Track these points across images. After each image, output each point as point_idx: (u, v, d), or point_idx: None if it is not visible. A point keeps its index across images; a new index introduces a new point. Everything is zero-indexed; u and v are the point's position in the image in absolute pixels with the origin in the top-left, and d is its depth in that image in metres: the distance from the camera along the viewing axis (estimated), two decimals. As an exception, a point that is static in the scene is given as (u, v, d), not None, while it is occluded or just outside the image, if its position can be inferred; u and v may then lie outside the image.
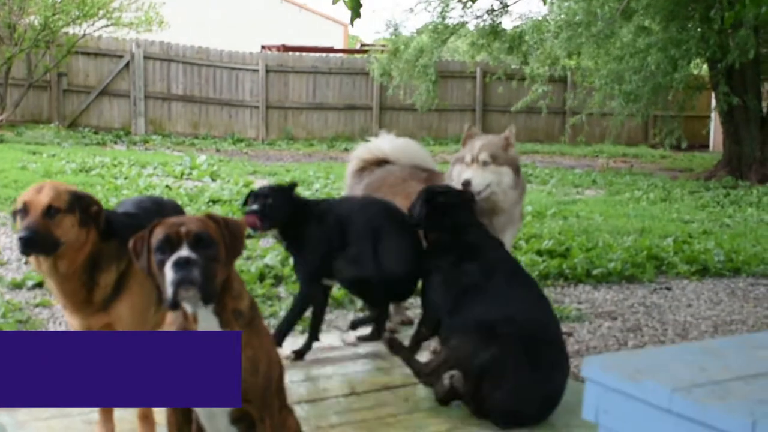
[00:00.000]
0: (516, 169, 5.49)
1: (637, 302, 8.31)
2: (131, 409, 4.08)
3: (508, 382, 4.29)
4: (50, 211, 3.55)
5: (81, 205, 3.67)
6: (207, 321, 3.01)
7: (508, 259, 4.94)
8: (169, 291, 2.88)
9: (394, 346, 4.75)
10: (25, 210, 3.60)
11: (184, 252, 2.87)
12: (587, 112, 20.80)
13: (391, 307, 5.96)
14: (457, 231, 4.88)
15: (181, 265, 2.85)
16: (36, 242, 3.55)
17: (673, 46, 17.89)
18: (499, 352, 4.33)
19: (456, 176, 5.41)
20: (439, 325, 4.76)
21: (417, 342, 4.93)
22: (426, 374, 4.56)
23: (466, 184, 5.26)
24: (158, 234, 2.92)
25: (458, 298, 4.65)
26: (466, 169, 5.36)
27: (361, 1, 6.71)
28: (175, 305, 2.91)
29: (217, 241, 2.92)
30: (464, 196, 5.13)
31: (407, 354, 4.73)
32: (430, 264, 4.93)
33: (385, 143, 6.38)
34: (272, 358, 3.15)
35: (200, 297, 2.91)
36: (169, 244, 2.89)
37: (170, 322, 3.11)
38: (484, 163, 5.34)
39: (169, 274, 2.86)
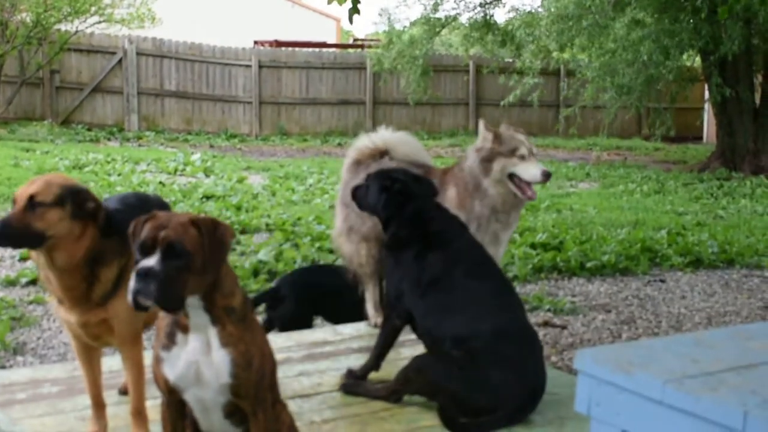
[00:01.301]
0: None
1: (631, 294, 8.34)
2: (124, 405, 4.08)
3: (481, 391, 4.28)
4: (32, 204, 3.54)
5: (75, 199, 3.65)
6: (197, 317, 3.01)
7: (473, 247, 4.87)
8: (129, 297, 2.89)
9: (351, 390, 4.71)
10: (13, 203, 3.60)
11: (149, 262, 2.86)
12: (580, 104, 20.82)
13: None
14: (420, 220, 4.77)
15: (140, 276, 2.85)
16: (7, 235, 3.54)
17: (666, 36, 17.90)
18: (463, 373, 4.30)
19: (503, 174, 5.45)
20: (410, 317, 4.72)
21: (386, 343, 4.84)
22: (388, 397, 4.55)
23: (548, 175, 5.46)
24: (142, 233, 2.91)
25: (424, 291, 4.62)
26: (530, 162, 5.46)
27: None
28: (137, 308, 2.92)
29: (191, 252, 2.87)
30: (423, 182, 5.04)
31: (364, 389, 4.68)
32: (392, 256, 4.87)
33: (384, 135, 6.38)
34: (265, 353, 3.14)
35: (158, 307, 2.91)
36: (144, 248, 2.89)
37: (162, 315, 3.11)
38: (536, 156, 5.55)
39: (131, 281, 2.87)
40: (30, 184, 3.63)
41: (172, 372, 3.07)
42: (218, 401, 3.10)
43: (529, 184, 5.48)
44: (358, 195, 5.06)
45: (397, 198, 4.78)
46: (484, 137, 5.61)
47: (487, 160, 5.51)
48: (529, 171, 5.45)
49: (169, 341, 3.07)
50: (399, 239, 4.81)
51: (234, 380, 3.02)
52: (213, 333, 3.02)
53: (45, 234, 3.55)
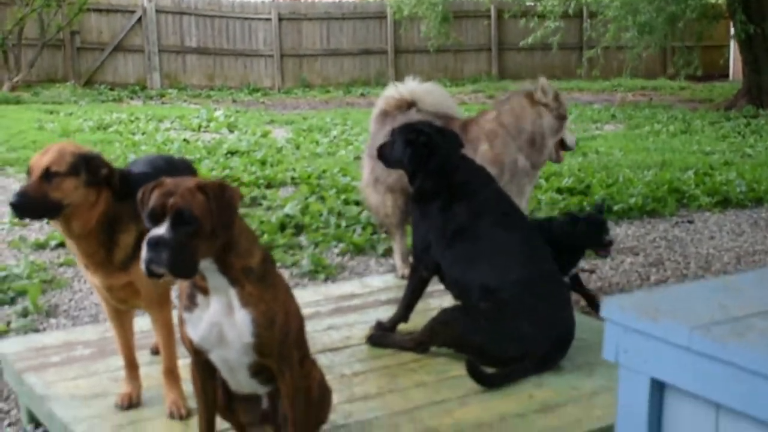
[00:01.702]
0: None
1: (658, 236, 8.31)
2: (156, 365, 4.11)
3: (509, 341, 4.29)
4: (48, 174, 3.56)
5: (88, 166, 3.66)
6: (215, 279, 3.03)
7: (499, 198, 4.85)
8: (142, 266, 2.90)
9: (377, 342, 4.74)
10: (28, 174, 3.62)
11: (159, 230, 2.86)
12: (602, 45, 20.65)
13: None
14: (445, 172, 4.78)
15: (151, 245, 2.86)
16: (27, 207, 3.57)
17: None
18: (490, 325, 4.32)
19: (557, 132, 5.91)
20: (437, 268, 4.74)
21: (414, 294, 4.88)
22: (415, 348, 4.57)
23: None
24: (150, 201, 2.92)
25: (451, 242, 4.63)
26: (568, 130, 6.00)
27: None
28: (151, 276, 2.93)
29: (200, 218, 2.87)
30: (447, 134, 5.03)
31: (392, 341, 4.70)
32: (418, 208, 4.87)
33: (411, 86, 6.38)
34: (289, 311, 3.14)
35: (171, 275, 2.92)
36: (154, 216, 2.90)
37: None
38: None
39: (143, 250, 2.88)
40: (43, 154, 3.65)
41: (195, 333, 3.10)
42: (243, 361, 3.12)
43: (563, 149, 5.99)
44: (384, 153, 5.05)
45: (423, 150, 4.77)
46: (545, 94, 5.86)
47: (561, 118, 5.87)
48: (571, 138, 5.98)
49: (191, 303, 3.09)
50: (425, 191, 4.81)
51: (257, 339, 3.03)
52: (233, 294, 3.02)
53: (62, 203, 3.58)
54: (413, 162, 4.80)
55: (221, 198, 2.91)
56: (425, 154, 4.76)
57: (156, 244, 2.85)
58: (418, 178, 4.83)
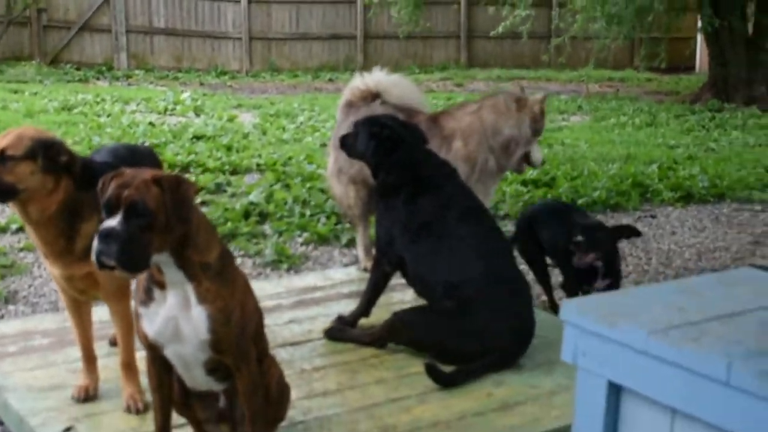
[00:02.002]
0: None
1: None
2: (115, 356, 4.09)
3: (471, 338, 4.30)
4: (3, 157, 3.52)
5: (47, 152, 3.62)
6: (171, 274, 3.01)
7: (463, 193, 4.86)
8: (92, 257, 2.89)
9: (335, 336, 4.73)
10: None
11: (111, 222, 2.85)
12: (570, 35, 20.67)
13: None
14: (410, 166, 4.78)
15: (102, 236, 2.85)
16: None
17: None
18: (451, 323, 4.34)
19: (522, 147, 5.93)
20: (400, 262, 4.73)
21: (376, 288, 4.87)
22: (373, 343, 4.57)
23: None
24: (107, 191, 2.90)
25: (415, 237, 4.64)
26: (538, 146, 6.05)
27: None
28: (101, 268, 2.92)
29: (154, 210, 2.85)
30: (411, 128, 5.06)
31: (350, 335, 4.70)
32: (382, 202, 4.86)
33: (377, 77, 6.36)
34: (247, 307, 3.12)
35: (120, 268, 2.89)
36: (109, 207, 2.89)
37: (146, 273, 3.10)
38: None
39: (94, 241, 2.87)
40: (2, 137, 3.62)
41: (150, 328, 3.07)
42: (199, 358, 3.10)
43: (527, 163, 6.09)
44: (346, 143, 5.05)
45: (386, 144, 4.77)
46: (534, 105, 5.92)
47: (536, 133, 5.93)
48: (537, 155, 6.01)
49: (147, 297, 3.07)
50: (389, 184, 4.80)
51: (213, 336, 3.01)
52: (190, 289, 3.00)
53: (16, 187, 3.55)
54: (376, 155, 4.80)
55: (177, 192, 2.88)
56: (388, 148, 4.76)
57: (107, 235, 2.84)
58: (382, 172, 4.82)
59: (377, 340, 4.55)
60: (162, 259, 2.96)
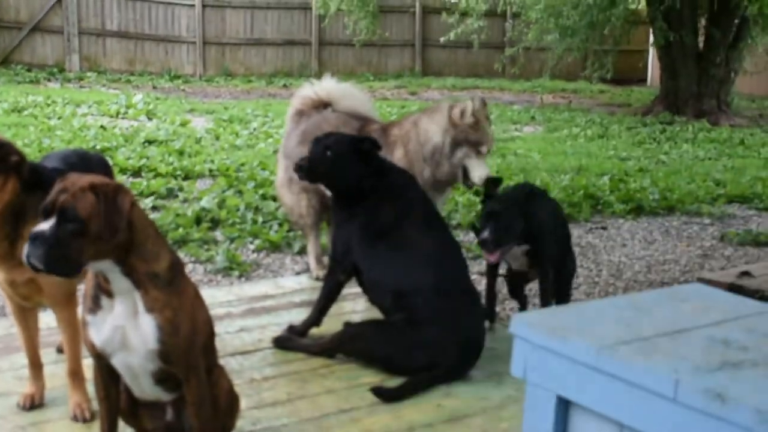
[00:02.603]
0: None
1: (573, 242, 8.33)
2: (63, 363, 4.04)
3: (419, 350, 4.31)
4: None
5: None
6: (118, 282, 2.99)
7: (423, 201, 4.88)
8: (23, 260, 2.91)
9: (283, 344, 4.72)
10: None
11: (42, 226, 2.87)
12: (524, 45, 20.80)
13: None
14: (379, 174, 4.76)
15: (31, 239, 2.87)
16: None
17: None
18: (399, 336, 4.35)
19: (460, 161, 5.60)
20: (354, 271, 4.73)
21: (329, 298, 4.85)
22: (321, 354, 4.57)
23: (495, 181, 5.41)
24: (48, 195, 2.91)
25: (372, 245, 4.63)
26: (482, 161, 5.62)
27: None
28: (34, 270, 2.94)
29: (85, 217, 2.84)
30: (368, 140, 4.97)
31: (298, 345, 4.69)
32: (344, 210, 4.83)
33: (327, 86, 6.34)
34: (197, 319, 3.10)
35: (48, 272, 2.92)
36: (45, 211, 2.89)
37: (89, 278, 3.08)
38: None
39: (26, 244, 2.89)
40: None
41: (98, 336, 3.05)
42: (147, 367, 3.07)
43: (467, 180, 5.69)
44: (303, 170, 4.87)
45: (343, 161, 4.73)
46: (462, 114, 5.63)
47: (456, 144, 5.58)
48: (477, 171, 5.57)
49: (95, 305, 3.04)
50: (350, 195, 4.77)
51: (161, 346, 2.99)
52: (138, 297, 2.98)
53: None
54: (346, 177, 4.74)
55: (112, 201, 2.86)
56: (347, 164, 4.72)
57: (35, 238, 2.85)
58: (344, 188, 4.78)
59: (326, 351, 4.55)
60: (105, 267, 2.95)
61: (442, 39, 22.85)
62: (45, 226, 2.86)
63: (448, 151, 5.60)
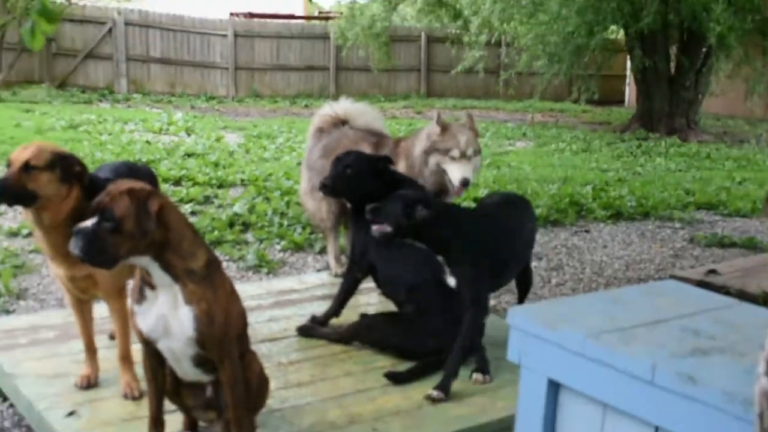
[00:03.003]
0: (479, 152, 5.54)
1: (560, 244, 8.37)
2: (114, 349, 4.06)
3: (427, 337, 4.30)
4: (27, 167, 3.52)
5: (63, 164, 3.61)
6: (158, 276, 3.02)
7: None
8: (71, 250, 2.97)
9: (307, 333, 4.70)
10: (8, 165, 3.58)
11: (85, 223, 2.94)
12: (516, 70, 20.85)
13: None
14: (387, 188, 4.62)
15: (75, 232, 2.94)
16: (4, 194, 3.54)
17: (592, 13, 17.88)
18: (410, 326, 4.35)
19: (434, 166, 5.39)
20: (371, 269, 4.72)
21: (347, 293, 4.84)
22: (341, 340, 4.56)
23: (466, 183, 5.29)
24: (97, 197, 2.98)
25: (385, 246, 4.59)
26: (458, 164, 5.32)
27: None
28: (79, 260, 3.01)
29: (119, 217, 2.88)
30: (382, 159, 4.97)
31: (319, 333, 4.68)
32: (361, 219, 4.80)
33: (344, 106, 6.34)
34: (230, 311, 3.10)
35: (86, 261, 2.99)
36: (92, 211, 2.96)
37: (137, 273, 3.10)
38: (470, 158, 5.35)
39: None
40: (24, 149, 3.62)
41: (144, 324, 3.07)
42: (187, 352, 3.09)
43: (464, 185, 5.40)
44: (327, 187, 4.86)
45: (363, 177, 4.73)
46: (432, 129, 5.51)
47: (426, 153, 5.45)
48: (453, 174, 5.35)
49: (140, 296, 3.07)
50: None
51: (197, 334, 3.00)
52: (177, 290, 3.00)
53: (37, 194, 3.54)
54: (363, 190, 4.72)
55: (143, 204, 2.89)
56: (366, 180, 4.72)
57: (78, 232, 2.92)
58: (361, 199, 4.74)
59: (344, 338, 4.55)
60: (145, 262, 2.97)
61: (453, 71, 22.90)
62: (88, 223, 2.92)
63: (422, 160, 5.46)
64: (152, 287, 3.03)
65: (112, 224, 2.88)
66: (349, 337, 4.55)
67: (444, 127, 5.43)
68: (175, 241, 2.96)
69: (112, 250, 2.90)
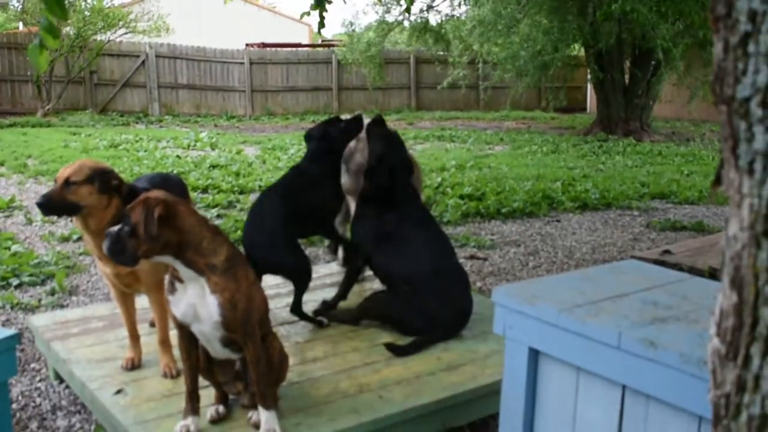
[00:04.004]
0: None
1: (535, 232, 8.36)
2: (154, 335, 4.04)
3: (423, 315, 4.26)
4: (68, 182, 3.52)
5: (101, 178, 3.60)
6: (183, 271, 3.00)
7: (419, 209, 4.78)
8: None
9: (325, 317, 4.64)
10: (54, 181, 3.58)
11: (113, 227, 2.98)
12: (491, 84, 20.97)
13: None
14: (389, 190, 4.65)
15: (106, 235, 2.98)
16: (49, 206, 3.53)
17: (558, 33, 17.92)
18: (409, 304, 4.30)
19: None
20: (369, 260, 4.68)
21: (351, 279, 4.78)
22: (351, 321, 4.52)
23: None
24: None
25: (380, 240, 4.53)
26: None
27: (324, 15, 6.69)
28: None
29: (134, 223, 2.89)
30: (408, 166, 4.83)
31: (331, 315, 4.61)
32: (360, 210, 4.77)
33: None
34: (251, 298, 3.06)
35: (112, 260, 3.02)
36: (122, 217, 3.00)
37: (170, 270, 3.08)
38: None
39: None
40: (67, 167, 3.63)
41: (177, 311, 3.06)
42: (215, 334, 3.07)
43: None
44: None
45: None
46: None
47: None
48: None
49: (172, 288, 3.07)
50: (368, 197, 4.70)
51: (222, 319, 2.98)
52: (204, 282, 2.98)
53: (79, 204, 3.54)
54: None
55: (150, 212, 2.87)
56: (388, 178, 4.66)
57: (107, 235, 2.96)
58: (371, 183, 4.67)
59: (354, 319, 4.52)
60: (168, 261, 2.97)
61: (438, 87, 22.96)
62: (115, 228, 2.95)
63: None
64: (181, 281, 3.02)
65: (129, 228, 2.89)
66: (360, 316, 4.50)
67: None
68: (193, 242, 2.94)
69: (131, 251, 2.91)
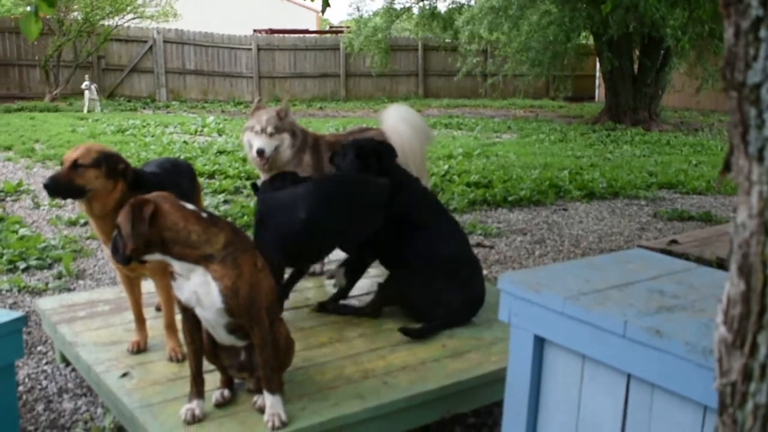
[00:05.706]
0: (293, 133, 5.09)
1: (541, 221, 8.35)
2: (159, 319, 4.05)
3: (438, 301, 4.23)
4: (75, 165, 3.51)
5: (108, 162, 3.59)
6: (176, 265, 3.01)
7: (427, 193, 4.71)
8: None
9: (340, 312, 4.51)
10: (61, 164, 3.58)
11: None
12: (503, 74, 20.84)
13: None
14: (386, 174, 4.51)
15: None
16: (55, 188, 3.52)
17: (568, 22, 17.86)
18: (423, 289, 4.25)
19: (247, 143, 5.05)
20: (379, 247, 4.57)
21: (356, 272, 4.69)
22: (370, 313, 4.45)
23: (260, 152, 4.91)
24: None
25: (390, 227, 4.42)
26: (256, 137, 4.97)
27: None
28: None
29: (120, 225, 2.92)
30: (387, 147, 4.76)
31: (344, 309, 4.52)
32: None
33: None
34: (256, 285, 3.05)
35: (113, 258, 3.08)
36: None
37: None
38: (270, 134, 4.96)
39: None
40: (74, 150, 3.62)
41: (181, 295, 3.07)
42: (219, 321, 3.07)
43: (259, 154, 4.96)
44: (336, 161, 4.76)
45: (367, 161, 4.59)
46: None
47: (243, 133, 5.19)
48: (251, 144, 5.00)
49: (174, 275, 3.06)
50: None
51: (225, 305, 2.98)
52: (203, 270, 2.98)
53: (85, 188, 3.54)
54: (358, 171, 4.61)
55: (137, 212, 2.87)
56: (369, 165, 4.60)
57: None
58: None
59: (374, 310, 4.43)
60: (158, 258, 2.98)
61: (455, 78, 22.91)
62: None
63: (243, 140, 5.16)
64: (178, 274, 3.03)
65: (118, 230, 2.94)
66: (379, 303, 4.42)
67: (256, 108, 5.18)
68: (179, 238, 2.92)
69: (121, 251, 2.94)
